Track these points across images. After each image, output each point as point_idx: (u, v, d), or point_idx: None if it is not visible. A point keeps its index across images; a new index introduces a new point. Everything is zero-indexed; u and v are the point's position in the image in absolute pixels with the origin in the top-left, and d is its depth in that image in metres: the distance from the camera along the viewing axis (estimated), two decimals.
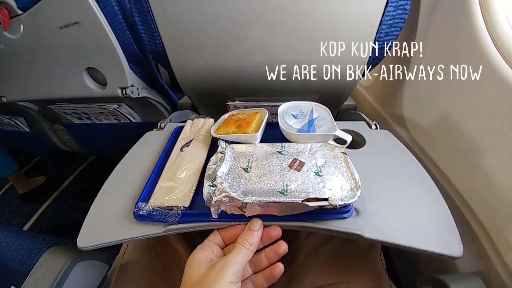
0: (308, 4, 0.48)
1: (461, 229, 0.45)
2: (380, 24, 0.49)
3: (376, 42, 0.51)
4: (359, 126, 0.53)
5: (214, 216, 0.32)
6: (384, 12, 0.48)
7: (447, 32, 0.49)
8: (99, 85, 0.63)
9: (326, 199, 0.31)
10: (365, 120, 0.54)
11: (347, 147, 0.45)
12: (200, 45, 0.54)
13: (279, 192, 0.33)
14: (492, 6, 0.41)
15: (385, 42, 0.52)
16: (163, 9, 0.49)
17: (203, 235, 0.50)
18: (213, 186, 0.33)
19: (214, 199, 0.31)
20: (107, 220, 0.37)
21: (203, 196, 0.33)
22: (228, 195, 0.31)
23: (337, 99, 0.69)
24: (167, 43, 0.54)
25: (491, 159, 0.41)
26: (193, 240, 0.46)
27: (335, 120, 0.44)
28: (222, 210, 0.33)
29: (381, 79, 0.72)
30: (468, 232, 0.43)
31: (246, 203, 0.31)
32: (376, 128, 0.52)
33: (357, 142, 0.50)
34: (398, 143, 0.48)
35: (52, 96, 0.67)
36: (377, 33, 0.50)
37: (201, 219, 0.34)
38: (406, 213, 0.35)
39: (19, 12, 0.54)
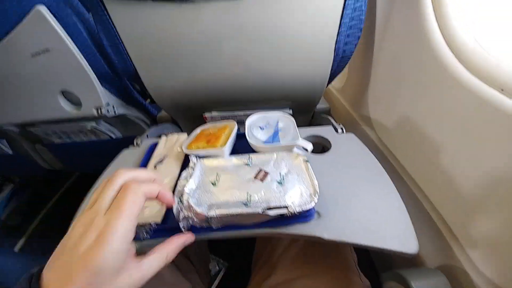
0: (268, 15, 0.50)
1: (426, 226, 0.47)
2: (338, 35, 0.52)
3: (337, 49, 0.54)
4: (326, 131, 0.55)
5: (183, 231, 0.34)
6: (340, 23, 0.51)
7: (402, 35, 0.52)
8: (75, 106, 0.65)
9: (286, 207, 0.34)
10: (332, 124, 0.57)
11: (314, 153, 0.48)
12: (171, 62, 0.56)
13: (243, 203, 0.35)
14: (445, 7, 0.43)
15: (346, 51, 0.55)
16: (130, 30, 0.51)
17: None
18: (180, 203, 0.35)
19: (181, 215, 0.34)
20: None
21: (173, 212, 0.36)
22: (194, 210, 0.33)
23: (309, 104, 0.72)
24: (138, 63, 0.55)
25: (448, 156, 0.43)
26: None
27: (311, 124, 0.47)
28: (191, 224, 0.35)
29: (350, 81, 0.75)
30: (432, 228, 0.46)
31: (211, 217, 0.33)
32: (343, 131, 0.55)
33: (325, 147, 0.53)
34: (361, 146, 0.51)
35: (30, 120, 0.68)
36: (336, 43, 0.53)
37: (174, 233, 0.37)
38: (365, 214, 0.38)
39: None
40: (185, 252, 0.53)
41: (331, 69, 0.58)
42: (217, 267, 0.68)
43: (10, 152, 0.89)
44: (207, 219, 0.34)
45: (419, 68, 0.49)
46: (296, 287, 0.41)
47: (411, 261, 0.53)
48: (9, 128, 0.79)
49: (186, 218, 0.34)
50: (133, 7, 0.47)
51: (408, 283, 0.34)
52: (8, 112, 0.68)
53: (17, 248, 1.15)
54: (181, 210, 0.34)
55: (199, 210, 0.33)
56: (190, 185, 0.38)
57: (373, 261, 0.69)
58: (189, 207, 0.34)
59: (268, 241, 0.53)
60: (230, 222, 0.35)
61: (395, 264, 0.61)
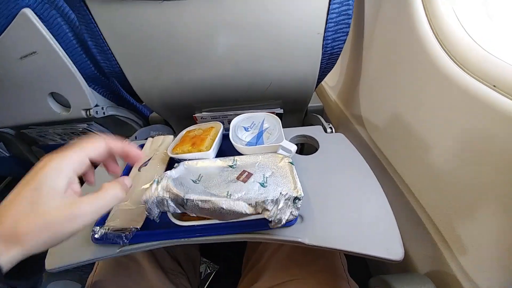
0: (250, 12, 0.48)
1: (416, 229, 0.45)
2: (325, 31, 0.50)
3: (325, 45, 0.53)
4: (315, 130, 0.54)
5: (150, 216, 0.34)
6: (327, 19, 0.49)
7: (391, 30, 0.50)
8: (64, 108, 0.65)
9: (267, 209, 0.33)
10: (322, 124, 0.56)
11: (301, 154, 0.47)
12: (156, 61, 0.55)
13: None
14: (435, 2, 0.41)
15: (334, 47, 0.54)
16: (112, 29, 0.50)
17: (165, 249, 0.52)
18: (157, 183, 0.34)
19: (155, 194, 0.32)
20: (70, 243, 0.38)
21: (144, 198, 0.33)
22: (171, 190, 0.32)
23: (301, 102, 0.70)
24: (123, 63, 0.54)
25: (438, 156, 0.42)
26: (154, 254, 0.48)
27: (303, 123, 0.45)
28: (162, 212, 0.34)
29: (341, 79, 0.73)
30: (423, 231, 0.44)
31: (187, 199, 0.32)
32: (332, 131, 0.54)
33: (313, 147, 0.52)
34: (350, 146, 0.49)
35: (22, 122, 0.69)
36: (324, 39, 0.51)
37: (152, 238, 0.36)
38: (349, 218, 0.37)
39: None
40: (174, 256, 0.52)
41: (321, 66, 0.57)
42: (208, 270, 0.68)
43: (7, 154, 0.90)
44: (183, 202, 0.32)
45: (408, 64, 0.47)
46: None
47: (402, 266, 0.52)
48: (4, 131, 0.80)
49: (159, 202, 0.33)
50: (114, 6, 0.46)
51: None
52: (1, 116, 0.69)
53: None
54: (156, 190, 0.33)
55: (175, 191, 0.32)
56: (171, 173, 0.37)
57: (368, 265, 0.67)
58: (167, 187, 0.33)
59: (258, 244, 0.52)
60: (206, 214, 0.34)
61: (388, 269, 0.59)
